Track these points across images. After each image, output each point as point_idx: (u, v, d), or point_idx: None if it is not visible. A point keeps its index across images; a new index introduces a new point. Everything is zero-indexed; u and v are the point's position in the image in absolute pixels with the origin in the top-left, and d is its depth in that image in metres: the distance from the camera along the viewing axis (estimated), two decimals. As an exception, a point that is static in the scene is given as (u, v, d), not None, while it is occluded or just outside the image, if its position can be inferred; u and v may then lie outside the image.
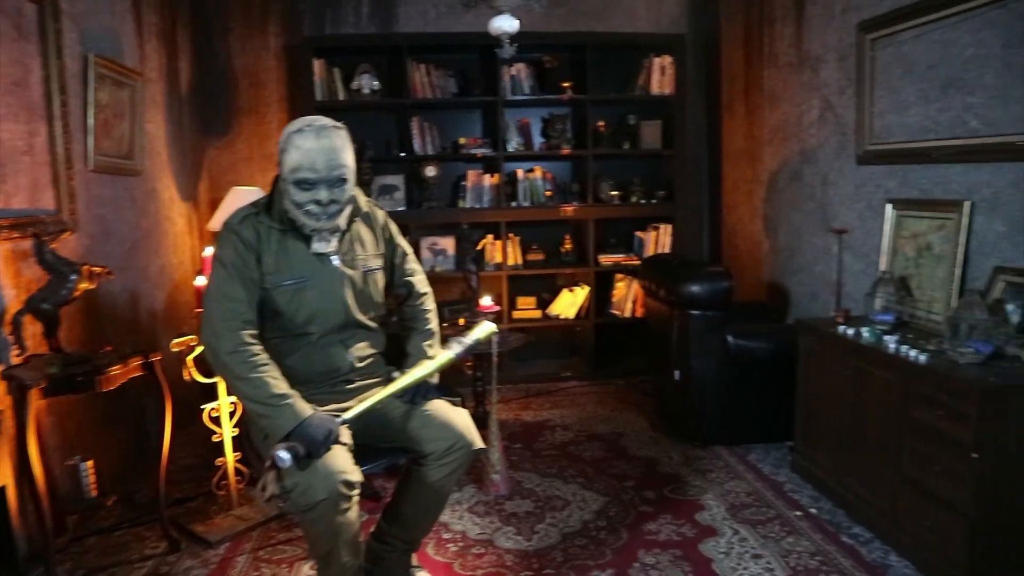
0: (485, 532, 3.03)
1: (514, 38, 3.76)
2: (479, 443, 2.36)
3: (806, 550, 2.80)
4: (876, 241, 3.45)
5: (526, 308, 5.37)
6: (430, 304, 2.61)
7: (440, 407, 2.37)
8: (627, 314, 5.28)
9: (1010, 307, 2.63)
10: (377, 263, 2.45)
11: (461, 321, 3.96)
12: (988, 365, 2.50)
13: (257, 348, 2.15)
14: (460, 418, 2.36)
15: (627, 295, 5.28)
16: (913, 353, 2.67)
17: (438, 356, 2.43)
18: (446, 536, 2.99)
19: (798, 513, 3.12)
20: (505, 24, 3.66)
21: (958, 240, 2.93)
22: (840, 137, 3.85)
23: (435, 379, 2.43)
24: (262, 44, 5.07)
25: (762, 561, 2.73)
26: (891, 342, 2.82)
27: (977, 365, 2.49)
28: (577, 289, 5.30)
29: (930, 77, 3.16)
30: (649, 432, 4.16)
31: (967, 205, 2.92)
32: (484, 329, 2.55)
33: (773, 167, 4.57)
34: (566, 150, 5.20)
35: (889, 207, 3.38)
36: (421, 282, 2.62)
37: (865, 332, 2.96)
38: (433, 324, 2.57)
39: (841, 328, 3.11)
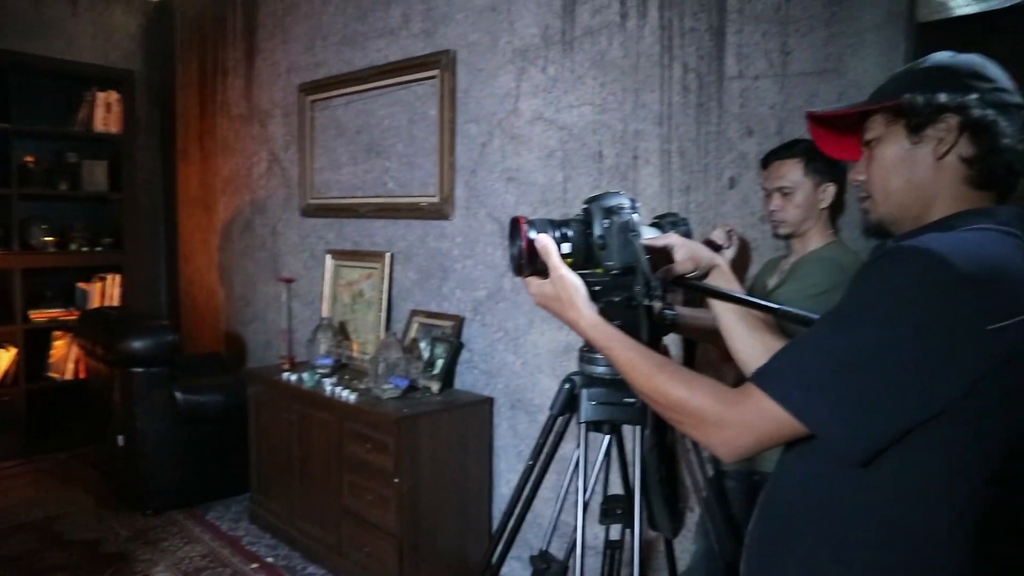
0: None
1: None
2: None
3: (258, 603, 2.77)
4: (319, 289, 3.67)
5: (-72, 379, 4.31)
6: None
7: None
8: (70, 376, 4.64)
9: (422, 344, 3.03)
10: None
11: None
12: (405, 397, 2.83)
13: None
14: None
15: (68, 355, 4.64)
16: (345, 393, 2.87)
17: None
18: None
19: (254, 565, 3.08)
20: None
21: (383, 287, 3.28)
22: (286, 190, 4.01)
23: None
24: None
25: (209, 627, 2.61)
26: (328, 384, 2.99)
27: (396, 399, 2.80)
28: (1, 351, 4.45)
29: (358, 141, 3.50)
30: (94, 509, 3.68)
31: (388, 256, 3.30)
32: None
33: (227, 217, 4.54)
34: (-18, 187, 4.38)
35: (328, 257, 3.62)
36: None
37: (305, 377, 3.09)
38: None
39: (286, 375, 3.20)
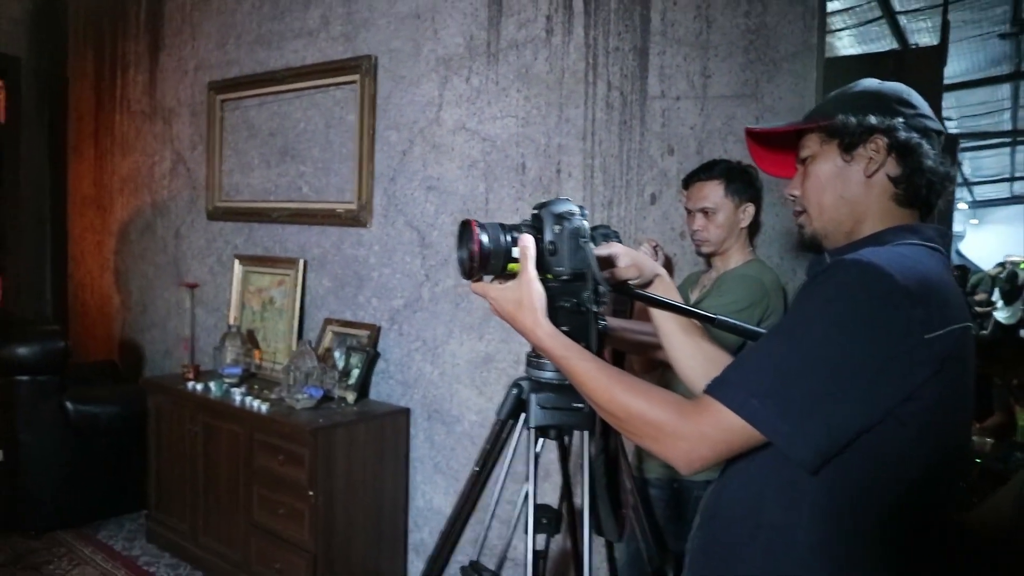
0: None
1: None
2: None
3: (156, 626, 2.62)
4: (226, 296, 3.53)
5: None
6: None
7: None
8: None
9: (337, 353, 2.96)
10: None
11: None
12: (319, 408, 2.75)
13: None
14: None
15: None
16: (256, 403, 2.77)
17: None
18: None
19: (147, 586, 2.92)
20: None
21: (295, 295, 3.19)
22: (192, 191, 3.84)
23: None
24: None
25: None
26: (237, 394, 2.88)
27: (310, 409, 2.72)
28: None
29: (271, 143, 3.40)
30: (-34, 531, 3.39)
31: (301, 262, 3.21)
32: None
33: (125, 218, 4.30)
34: None
35: (236, 263, 3.49)
36: None
37: (212, 386, 2.96)
38: None
39: (190, 384, 3.06)
